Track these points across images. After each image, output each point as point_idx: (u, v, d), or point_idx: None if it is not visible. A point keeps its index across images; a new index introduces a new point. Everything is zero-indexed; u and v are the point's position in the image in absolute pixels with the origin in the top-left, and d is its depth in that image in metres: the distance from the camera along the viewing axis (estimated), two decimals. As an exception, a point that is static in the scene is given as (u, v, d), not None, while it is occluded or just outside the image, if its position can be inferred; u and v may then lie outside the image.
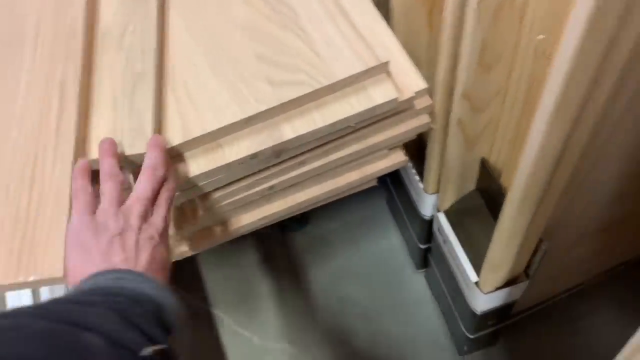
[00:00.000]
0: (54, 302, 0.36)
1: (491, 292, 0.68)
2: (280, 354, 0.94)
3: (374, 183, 0.72)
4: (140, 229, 0.42)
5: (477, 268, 0.70)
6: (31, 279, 0.42)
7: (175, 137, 0.51)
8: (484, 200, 0.71)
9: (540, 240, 0.63)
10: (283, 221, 0.69)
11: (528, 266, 0.68)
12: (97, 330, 0.33)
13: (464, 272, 0.71)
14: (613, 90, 0.41)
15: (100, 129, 0.50)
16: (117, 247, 0.40)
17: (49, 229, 0.44)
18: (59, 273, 0.42)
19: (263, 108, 0.52)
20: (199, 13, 0.59)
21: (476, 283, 0.69)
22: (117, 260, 0.40)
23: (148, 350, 0.34)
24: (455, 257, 0.73)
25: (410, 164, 0.80)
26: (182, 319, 0.41)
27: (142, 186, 0.44)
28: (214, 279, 1.00)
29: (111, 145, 0.46)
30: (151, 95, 0.51)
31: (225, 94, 0.53)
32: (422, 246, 0.89)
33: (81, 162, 0.46)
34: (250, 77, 0.54)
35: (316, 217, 1.04)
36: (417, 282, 0.98)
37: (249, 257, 1.02)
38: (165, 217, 0.44)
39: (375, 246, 1.02)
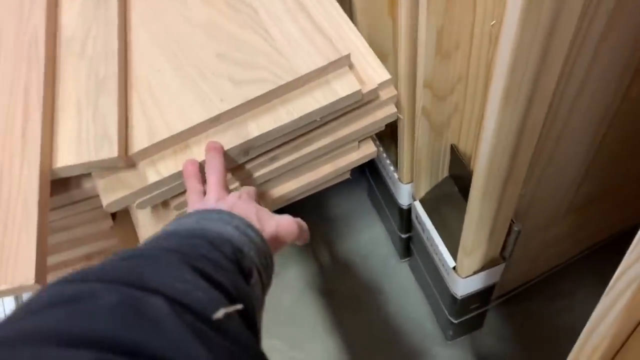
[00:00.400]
0: (124, 259, 0.33)
1: (469, 276, 0.69)
2: (270, 350, 0.94)
3: (348, 176, 0.72)
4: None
5: (454, 253, 0.71)
6: (2, 288, 0.42)
7: (141, 140, 0.52)
8: (457, 186, 0.72)
9: (512, 222, 0.64)
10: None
11: (503, 248, 0.68)
12: (162, 293, 0.29)
13: (442, 258, 0.72)
14: (563, 71, 0.42)
15: (65, 135, 0.51)
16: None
17: (18, 237, 0.44)
18: (30, 281, 0.42)
19: (227, 107, 0.53)
20: (159, 15, 0.60)
21: (454, 268, 0.70)
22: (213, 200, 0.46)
23: (220, 313, 0.30)
24: (434, 244, 0.74)
25: (384, 155, 0.80)
26: (268, 263, 0.42)
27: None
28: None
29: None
30: (115, 100, 0.52)
31: (189, 95, 0.54)
32: (404, 235, 0.90)
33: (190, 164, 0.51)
34: (213, 76, 0.55)
35: (297, 213, 1.04)
36: (401, 271, 0.99)
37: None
38: None
39: (359, 238, 1.03)
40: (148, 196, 0.54)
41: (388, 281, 0.98)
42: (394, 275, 0.99)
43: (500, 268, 0.71)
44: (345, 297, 0.97)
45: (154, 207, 0.62)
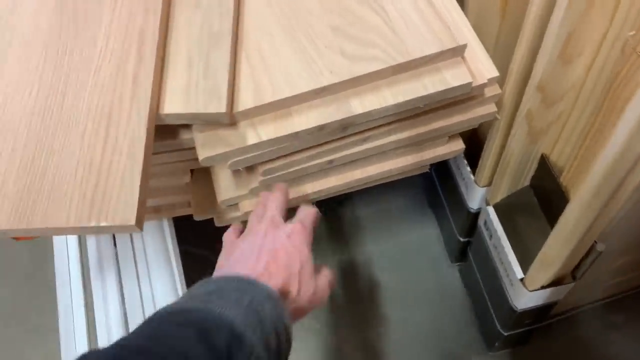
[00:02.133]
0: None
1: (536, 290, 0.68)
2: (306, 329, 0.94)
3: (427, 169, 0.71)
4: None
5: (524, 265, 0.69)
6: (103, 224, 0.42)
7: (247, 101, 0.51)
8: (537, 197, 0.70)
9: (595, 243, 0.62)
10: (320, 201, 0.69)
11: (576, 268, 0.67)
12: None
13: (509, 268, 0.70)
14: None
15: (174, 83, 0.50)
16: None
17: (122, 178, 0.44)
18: (130, 221, 0.42)
19: (335, 80, 0.52)
20: (275, -21, 0.59)
21: (521, 280, 0.68)
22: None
23: None
24: (501, 253, 0.72)
25: (462, 154, 0.79)
26: (280, 341, 0.38)
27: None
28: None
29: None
30: (227, 56, 0.51)
31: (298, 63, 0.53)
32: (462, 239, 0.89)
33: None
34: (325, 48, 0.54)
35: (350, 201, 1.04)
36: (450, 275, 0.97)
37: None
38: None
39: (409, 235, 1.01)
40: (243, 157, 0.53)
41: (435, 282, 0.97)
42: (442, 277, 0.97)
43: (567, 287, 0.69)
44: (389, 290, 0.96)
45: (236, 171, 0.61)
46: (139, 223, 0.43)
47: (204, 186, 0.66)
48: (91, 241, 0.71)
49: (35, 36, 0.52)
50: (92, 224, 0.43)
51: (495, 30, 0.66)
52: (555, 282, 0.67)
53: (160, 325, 0.35)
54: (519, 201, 0.71)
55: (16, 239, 0.75)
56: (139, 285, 0.67)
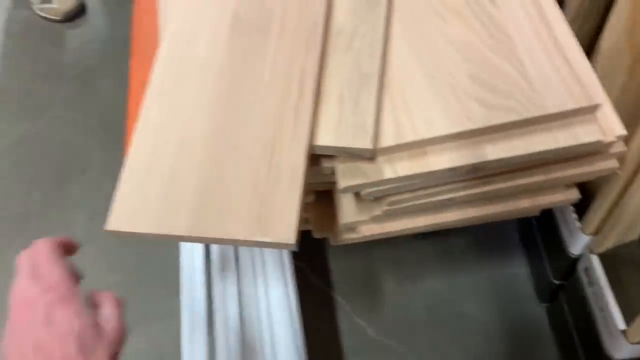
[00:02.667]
0: None
1: (637, 343, 0.69)
2: (389, 350, 0.97)
3: (537, 213, 0.74)
4: None
5: (627, 317, 0.70)
6: (266, 240, 0.48)
7: (387, 138, 0.56)
8: (645, 252, 0.71)
9: None
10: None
11: (682, 327, 0.67)
12: None
13: (609, 317, 0.72)
14: None
15: (326, 117, 0.56)
16: None
17: (283, 200, 0.50)
18: (290, 240, 0.48)
19: (472, 127, 0.56)
20: (418, 26, 0.63)
21: (623, 331, 0.69)
22: None
23: None
24: (602, 301, 0.73)
25: (568, 201, 0.81)
26: None
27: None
28: (339, 265, 1.05)
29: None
30: (374, 96, 0.56)
31: (437, 107, 0.57)
32: (556, 282, 0.90)
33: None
34: (463, 95, 0.58)
35: (445, 231, 1.07)
36: (536, 314, 0.98)
37: (375, 252, 1.06)
38: None
39: (499, 270, 1.03)
40: (377, 189, 0.58)
41: (521, 320, 0.98)
42: (528, 315, 0.98)
43: (671, 344, 0.69)
44: (476, 322, 0.98)
45: (359, 196, 0.66)
46: (295, 241, 0.48)
47: (324, 207, 0.71)
48: (215, 246, 0.77)
49: (211, 64, 0.59)
50: (257, 238, 0.48)
51: (620, 87, 0.68)
52: (658, 338, 0.68)
53: None
54: (627, 253, 0.72)
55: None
56: (256, 290, 0.72)
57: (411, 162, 0.57)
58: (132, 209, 0.52)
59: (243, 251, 0.76)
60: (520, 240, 1.04)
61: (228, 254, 0.76)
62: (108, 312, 0.40)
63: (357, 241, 0.70)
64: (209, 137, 0.55)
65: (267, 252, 0.77)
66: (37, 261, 0.41)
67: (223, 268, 0.75)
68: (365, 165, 0.57)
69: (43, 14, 1.45)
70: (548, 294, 0.94)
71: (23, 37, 1.47)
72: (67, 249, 0.45)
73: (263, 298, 0.73)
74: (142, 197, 0.52)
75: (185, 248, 0.78)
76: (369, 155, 0.56)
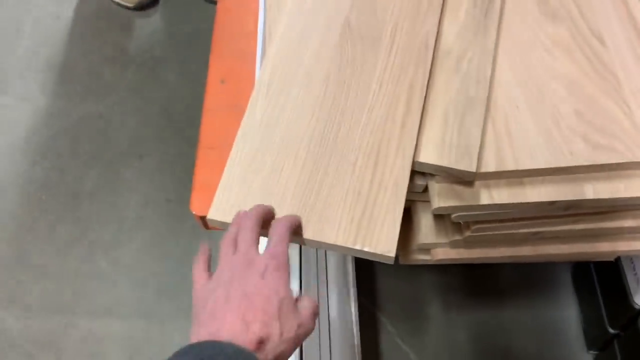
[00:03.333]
0: None
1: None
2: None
3: (612, 258, 0.73)
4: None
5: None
6: (366, 249, 0.48)
7: (488, 164, 0.56)
8: None
9: None
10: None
11: None
12: None
13: (675, 374, 0.70)
14: None
15: (430, 135, 0.56)
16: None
17: (385, 212, 0.50)
18: (391, 252, 0.47)
19: (574, 163, 0.55)
20: (524, 56, 0.63)
21: (689, 390, 0.68)
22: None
23: None
24: (667, 356, 0.72)
25: (639, 249, 0.79)
26: None
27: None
28: (387, 286, 1.05)
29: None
30: (480, 120, 0.56)
31: (541, 139, 0.57)
32: (613, 331, 0.88)
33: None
34: (567, 130, 0.57)
35: (500, 263, 1.06)
36: (583, 361, 0.97)
37: (424, 276, 1.06)
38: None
39: (549, 311, 1.02)
40: (469, 213, 0.57)
41: (566, 364, 0.97)
42: (573, 360, 0.97)
43: None
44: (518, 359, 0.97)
45: (439, 216, 0.66)
46: (395, 254, 0.48)
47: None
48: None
49: (318, 68, 0.59)
50: (357, 247, 0.48)
51: None
52: None
53: None
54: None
55: (207, 227, 0.83)
56: (318, 293, 0.72)
57: (509, 190, 0.56)
58: (233, 201, 0.53)
59: (308, 257, 0.76)
60: (573, 283, 1.03)
61: (293, 258, 0.76)
62: (306, 304, 0.44)
63: (428, 263, 0.70)
64: (312, 140, 0.55)
65: (332, 260, 0.76)
66: (271, 232, 0.47)
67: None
68: (461, 189, 0.57)
69: (116, 0, 1.48)
70: (600, 342, 0.93)
71: (94, 21, 1.50)
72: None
73: (324, 305, 0.72)
74: (243, 191, 0.53)
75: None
76: (470, 179, 0.55)
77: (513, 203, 0.56)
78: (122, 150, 1.26)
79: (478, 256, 0.67)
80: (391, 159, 0.53)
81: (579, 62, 0.62)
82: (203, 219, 0.82)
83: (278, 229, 0.47)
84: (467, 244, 0.65)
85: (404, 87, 0.57)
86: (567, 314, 1.01)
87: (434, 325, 1.01)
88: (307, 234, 0.49)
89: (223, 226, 0.53)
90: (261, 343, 0.40)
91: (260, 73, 0.61)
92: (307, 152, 0.54)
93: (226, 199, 0.53)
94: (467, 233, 0.62)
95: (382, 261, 0.49)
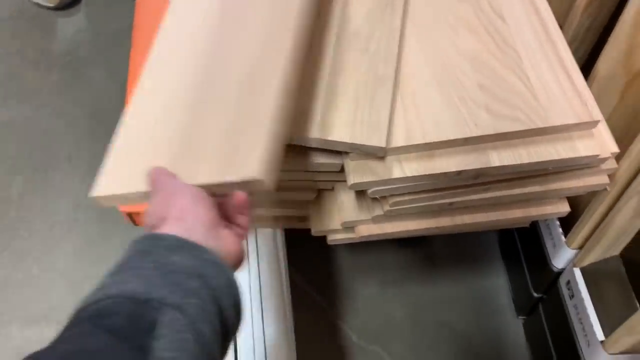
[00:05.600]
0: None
1: (615, 354, 0.72)
2: (373, 355, 0.99)
3: (527, 224, 0.77)
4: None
5: (605, 328, 0.73)
6: (233, 179, 0.43)
7: (398, 139, 0.58)
8: (625, 268, 0.75)
9: (683, 319, 0.66)
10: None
11: (657, 340, 0.70)
12: None
13: (589, 329, 0.75)
14: None
15: (343, 115, 0.57)
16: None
17: (251, 140, 0.45)
18: (258, 175, 0.43)
19: (479, 133, 0.58)
20: (431, 34, 0.66)
21: (602, 342, 0.72)
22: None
23: None
24: (582, 314, 0.76)
25: (555, 216, 0.84)
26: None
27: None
28: (325, 271, 1.06)
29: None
30: (389, 97, 0.58)
31: (447, 113, 0.60)
32: (536, 295, 0.93)
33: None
34: (472, 103, 0.60)
35: (429, 240, 1.09)
36: (514, 327, 1.01)
37: (360, 257, 1.08)
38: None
39: (480, 281, 1.06)
40: (384, 187, 0.60)
41: (497, 331, 1.01)
42: (505, 327, 1.01)
43: (644, 357, 0.73)
44: (455, 332, 1.01)
45: (359, 194, 0.68)
46: (264, 177, 0.43)
47: (322, 205, 0.72)
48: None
49: (201, 30, 0.57)
50: (226, 179, 0.44)
51: (610, 109, 0.72)
52: (636, 350, 0.71)
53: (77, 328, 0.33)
54: (607, 268, 0.76)
55: (136, 223, 0.82)
56: (249, 279, 0.73)
57: (419, 163, 0.59)
58: (116, 174, 0.49)
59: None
60: (501, 253, 1.08)
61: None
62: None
63: (353, 241, 0.72)
64: (190, 91, 0.52)
65: (262, 244, 0.77)
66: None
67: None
68: (375, 164, 0.59)
69: (36, 1, 1.43)
70: (527, 307, 0.97)
71: (13, 22, 1.45)
72: None
73: (255, 283, 0.73)
74: (125, 162, 0.50)
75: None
76: (381, 154, 0.57)
77: (423, 175, 0.58)
78: (50, 153, 1.23)
79: (400, 229, 0.70)
80: (259, 87, 0.49)
81: (482, 38, 0.66)
82: (130, 215, 0.81)
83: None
84: (388, 218, 0.68)
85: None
86: (497, 282, 1.05)
87: (373, 304, 1.03)
88: (186, 179, 0.44)
89: (116, 200, 0.48)
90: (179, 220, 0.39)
91: (151, 48, 0.58)
92: (185, 104, 0.51)
93: (111, 172, 0.49)
94: (386, 207, 0.64)
95: (253, 189, 0.44)
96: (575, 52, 0.78)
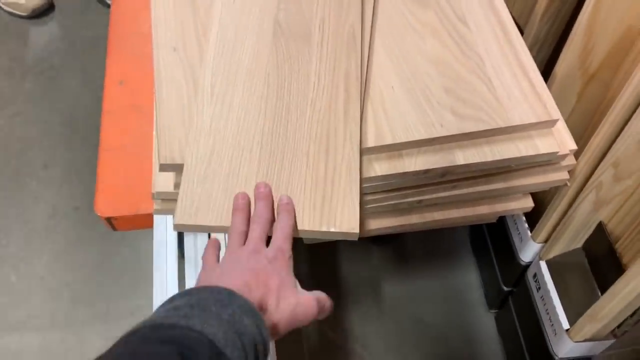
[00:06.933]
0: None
1: (579, 342, 0.75)
2: (351, 353, 1.01)
3: (494, 220, 0.80)
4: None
5: (570, 317, 0.77)
6: (332, 229, 0.53)
7: (369, 140, 0.61)
8: (587, 259, 0.78)
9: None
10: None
11: (618, 327, 0.74)
12: None
13: (555, 319, 0.78)
14: None
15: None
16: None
17: (343, 193, 0.55)
18: (355, 230, 0.53)
19: (445, 133, 0.61)
20: (397, 41, 0.69)
21: (567, 330, 0.76)
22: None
23: None
24: (549, 304, 0.80)
25: (521, 211, 0.88)
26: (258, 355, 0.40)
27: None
28: (300, 270, 1.09)
29: (266, 188, 0.54)
30: (359, 102, 0.61)
31: (414, 114, 0.63)
32: (506, 289, 0.96)
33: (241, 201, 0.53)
34: (438, 105, 0.63)
35: (403, 238, 1.13)
36: (486, 321, 1.05)
37: (336, 256, 1.10)
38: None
39: (452, 278, 1.10)
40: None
41: (470, 326, 1.05)
42: (479, 322, 1.05)
43: (608, 343, 0.77)
44: (431, 328, 1.04)
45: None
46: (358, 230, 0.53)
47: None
48: (189, 241, 0.79)
49: (257, 67, 0.63)
50: (324, 229, 0.53)
51: (569, 109, 0.76)
52: (598, 337, 0.75)
53: (143, 342, 0.36)
54: (571, 260, 0.80)
55: (116, 228, 0.83)
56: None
57: (389, 162, 0.61)
58: (197, 204, 0.55)
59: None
60: (472, 248, 1.11)
61: (202, 251, 0.78)
62: (314, 291, 0.50)
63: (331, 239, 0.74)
64: (263, 136, 0.58)
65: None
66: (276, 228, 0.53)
67: (197, 267, 0.76)
68: (346, 164, 0.61)
69: (8, 9, 1.43)
70: (498, 301, 1.01)
71: (-15, 31, 1.45)
72: None
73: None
74: (206, 193, 0.55)
75: (159, 247, 0.80)
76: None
77: (393, 174, 0.61)
78: (26, 161, 1.23)
79: (374, 227, 0.72)
80: (340, 144, 0.57)
81: (446, 43, 0.69)
82: (109, 220, 0.83)
83: (283, 228, 0.52)
84: (362, 217, 0.70)
85: (340, 77, 0.62)
86: (469, 278, 1.09)
87: (349, 302, 1.06)
88: None
89: (192, 229, 0.55)
90: (260, 309, 0.43)
91: (201, 79, 0.62)
92: (260, 148, 0.57)
93: (189, 203, 0.55)
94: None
95: (347, 238, 0.54)
96: (536, 56, 0.82)
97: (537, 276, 0.84)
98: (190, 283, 0.76)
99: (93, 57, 1.34)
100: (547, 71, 0.77)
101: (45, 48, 1.43)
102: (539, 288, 0.83)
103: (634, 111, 0.59)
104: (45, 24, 1.47)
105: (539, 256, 0.84)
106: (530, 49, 0.75)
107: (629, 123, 0.60)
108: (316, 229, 0.53)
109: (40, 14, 1.46)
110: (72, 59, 1.40)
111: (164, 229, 0.81)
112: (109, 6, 1.38)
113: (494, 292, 1.01)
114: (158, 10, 0.72)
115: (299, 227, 0.53)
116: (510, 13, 0.75)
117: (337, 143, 0.58)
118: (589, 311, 0.71)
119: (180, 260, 0.79)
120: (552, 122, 0.63)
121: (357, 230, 0.53)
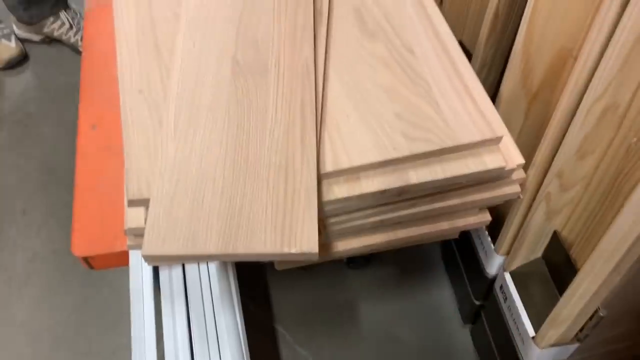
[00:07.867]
0: None
1: (545, 348, 0.78)
2: (329, 377, 1.03)
3: (456, 235, 0.84)
4: None
5: (535, 325, 0.80)
6: (292, 251, 0.56)
7: (327, 165, 0.65)
8: (547, 267, 0.82)
9: (597, 309, 0.73)
10: (351, 257, 0.81)
11: (580, 331, 0.78)
12: None
13: (522, 327, 0.81)
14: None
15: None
16: None
17: (302, 215, 0.58)
18: (314, 250, 0.56)
19: (397, 155, 0.65)
20: (350, 71, 0.74)
21: (533, 337, 0.79)
22: None
23: None
24: (515, 314, 0.83)
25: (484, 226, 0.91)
26: None
27: None
28: (280, 298, 1.11)
29: None
30: (314, 130, 0.65)
31: (368, 140, 0.67)
32: (477, 302, 1.00)
33: None
34: (390, 129, 0.67)
35: (378, 261, 1.16)
36: (462, 336, 1.08)
37: (313, 284, 1.13)
38: None
39: (428, 296, 1.12)
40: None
41: (448, 342, 1.07)
42: (454, 337, 1.08)
43: (572, 347, 0.80)
44: (408, 347, 1.06)
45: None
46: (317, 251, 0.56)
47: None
48: (164, 276, 0.82)
49: (218, 104, 0.67)
50: (285, 250, 0.56)
51: (518, 127, 0.81)
52: (563, 343, 0.78)
53: None
54: (532, 270, 0.83)
55: (93, 267, 0.85)
56: (205, 321, 0.77)
57: (347, 185, 0.65)
58: (163, 235, 0.57)
59: (192, 282, 0.81)
60: (445, 266, 1.15)
61: (177, 286, 0.80)
62: None
63: (301, 264, 0.77)
64: (225, 166, 0.62)
65: (215, 281, 0.82)
66: None
67: (173, 303, 0.79)
68: (307, 190, 0.65)
69: (-17, 62, 1.47)
70: (471, 315, 1.04)
71: (-40, 84, 1.48)
72: None
73: (212, 326, 0.77)
74: (171, 224, 0.58)
75: (135, 284, 0.82)
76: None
77: (352, 196, 0.65)
78: (4, 208, 1.25)
79: (341, 249, 0.76)
80: (298, 169, 0.61)
81: (395, 72, 0.73)
82: (86, 259, 0.85)
83: None
84: (328, 239, 0.73)
85: (296, 107, 0.66)
86: (443, 294, 1.12)
87: (329, 327, 1.08)
88: (239, 249, 0.56)
89: (161, 260, 0.57)
90: None
91: (165, 117, 0.66)
92: (222, 177, 0.61)
93: (156, 234, 0.57)
94: (324, 230, 0.70)
95: (308, 259, 0.57)
96: (486, 78, 0.88)
97: (503, 288, 0.87)
98: (166, 319, 0.78)
99: (67, 104, 1.38)
100: (497, 93, 0.82)
101: (21, 97, 1.46)
102: (506, 299, 0.87)
103: (569, 124, 0.64)
104: (19, 74, 1.51)
105: (503, 268, 0.87)
106: (479, 72, 0.80)
107: (566, 136, 0.64)
108: (277, 251, 0.56)
109: (15, 64, 1.50)
110: (47, 106, 1.44)
111: (139, 266, 0.84)
112: (78, 52, 1.42)
113: (467, 306, 1.04)
114: (124, 56, 0.76)
115: (262, 251, 0.56)
116: (461, 39, 0.81)
117: (295, 168, 0.61)
118: (550, 316, 0.74)
119: (156, 295, 0.81)
120: (498, 140, 0.67)
121: (316, 251, 0.56)
